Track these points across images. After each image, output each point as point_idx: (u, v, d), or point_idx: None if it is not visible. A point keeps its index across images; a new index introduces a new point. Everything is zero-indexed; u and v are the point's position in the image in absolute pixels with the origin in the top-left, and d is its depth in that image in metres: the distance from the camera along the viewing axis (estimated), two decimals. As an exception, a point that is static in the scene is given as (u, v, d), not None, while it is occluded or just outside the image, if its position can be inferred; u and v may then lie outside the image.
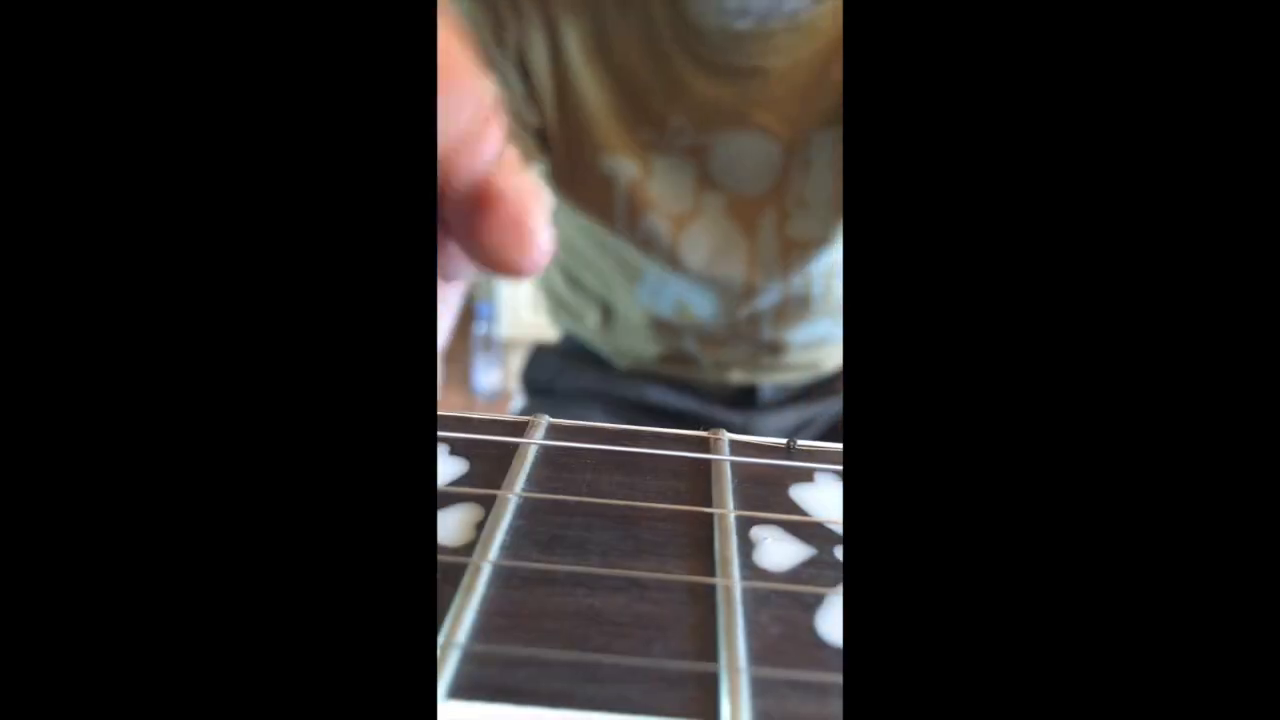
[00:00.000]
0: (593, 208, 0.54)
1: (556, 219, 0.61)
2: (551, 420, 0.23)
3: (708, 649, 0.15)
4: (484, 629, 0.15)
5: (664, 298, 0.57)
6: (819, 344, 0.60)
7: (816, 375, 0.62)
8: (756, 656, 0.15)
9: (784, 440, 0.22)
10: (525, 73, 0.50)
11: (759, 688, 0.14)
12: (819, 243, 0.52)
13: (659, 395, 0.62)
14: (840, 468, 0.21)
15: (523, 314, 1.85)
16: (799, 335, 0.58)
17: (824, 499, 0.20)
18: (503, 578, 0.17)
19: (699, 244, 0.53)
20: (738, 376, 0.61)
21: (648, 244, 0.53)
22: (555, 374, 0.66)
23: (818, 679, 0.15)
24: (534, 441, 0.21)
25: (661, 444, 0.22)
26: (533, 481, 0.20)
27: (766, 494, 0.20)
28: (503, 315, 1.92)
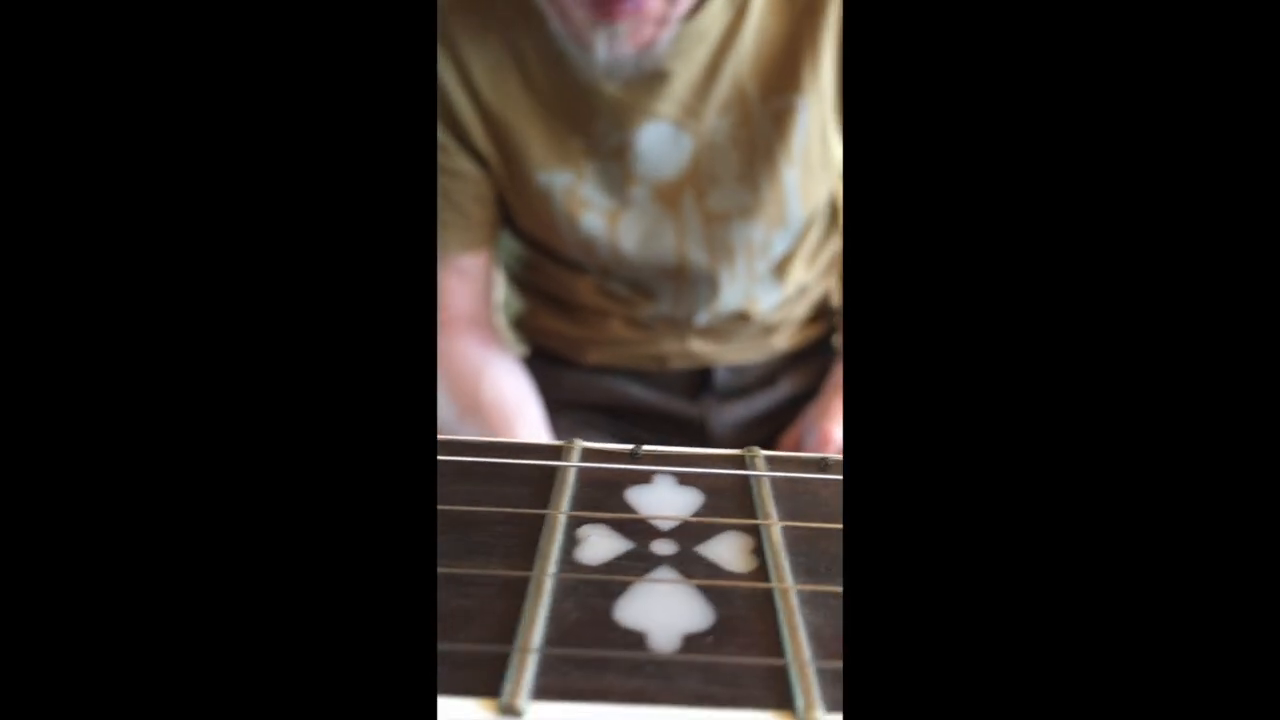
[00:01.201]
0: (534, 221, 0.59)
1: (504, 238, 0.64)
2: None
3: (508, 635, 0.17)
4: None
5: (613, 282, 0.62)
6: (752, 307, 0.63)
7: (767, 354, 0.65)
8: (550, 640, 0.17)
9: (630, 446, 0.24)
10: (455, 125, 0.56)
11: (546, 666, 0.16)
12: (735, 214, 0.58)
13: (622, 389, 0.65)
14: (678, 469, 0.23)
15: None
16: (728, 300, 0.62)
17: (656, 498, 0.22)
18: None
19: (632, 231, 0.58)
20: (696, 346, 0.64)
21: (588, 245, 0.58)
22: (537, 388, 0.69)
23: (601, 655, 0.16)
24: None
25: (517, 454, 0.24)
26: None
27: (603, 496, 0.22)
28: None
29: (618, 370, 0.66)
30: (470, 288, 0.61)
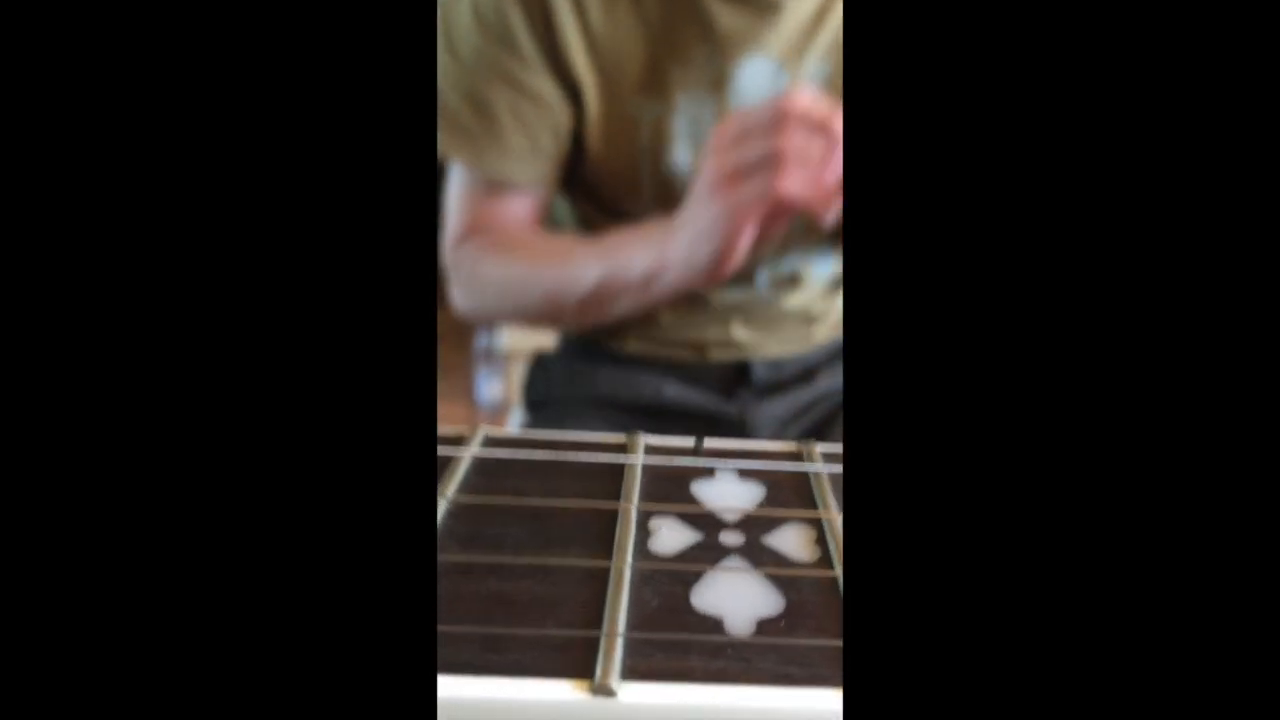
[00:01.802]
0: (612, 159, 0.57)
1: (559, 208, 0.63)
2: (488, 431, 0.25)
3: (594, 622, 0.18)
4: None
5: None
6: (817, 284, 0.62)
7: (806, 348, 0.65)
8: (634, 625, 0.18)
9: (693, 441, 0.25)
10: (553, 48, 0.54)
11: (632, 649, 0.17)
12: None
13: (656, 386, 0.64)
14: (739, 464, 0.24)
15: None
16: (811, 267, 0.61)
17: (720, 491, 0.23)
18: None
19: None
20: (739, 334, 0.63)
21: (667, 185, 0.56)
22: (555, 383, 0.68)
23: (683, 639, 0.18)
24: (469, 452, 0.24)
25: (586, 450, 0.25)
26: (465, 488, 0.23)
27: (670, 489, 0.23)
28: (503, 327, 1.95)
29: (655, 363, 0.65)
30: (520, 218, 0.57)
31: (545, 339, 0.73)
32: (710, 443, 0.25)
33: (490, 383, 2.14)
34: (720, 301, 0.62)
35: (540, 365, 0.71)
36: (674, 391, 0.65)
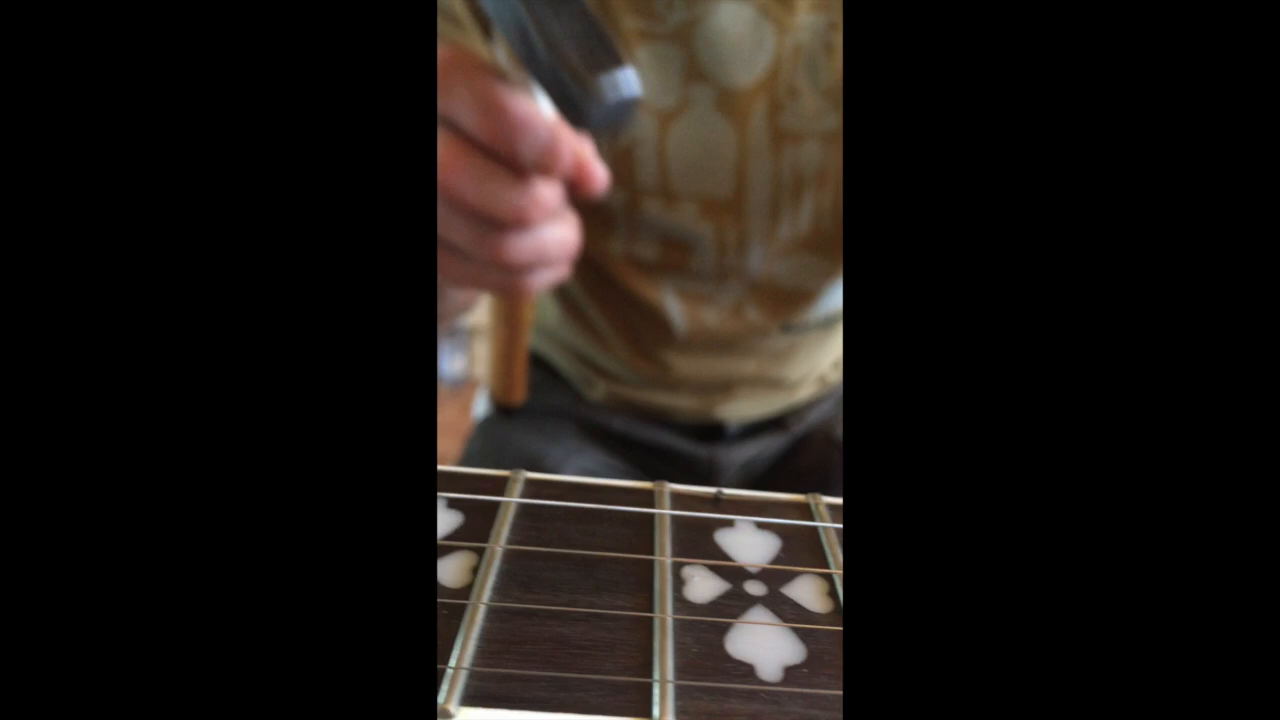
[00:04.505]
0: None
1: None
2: (528, 475, 0.28)
3: (646, 665, 0.21)
4: (482, 653, 0.21)
5: (647, 234, 0.54)
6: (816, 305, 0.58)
7: (780, 407, 0.65)
8: (680, 670, 0.21)
9: (713, 491, 0.28)
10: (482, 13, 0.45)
11: (680, 693, 0.20)
12: (812, 137, 0.49)
13: (624, 424, 0.63)
14: (757, 518, 0.27)
15: (487, 300, 1.88)
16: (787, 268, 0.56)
17: (741, 541, 0.26)
18: (495, 613, 0.22)
19: (687, 142, 0.49)
20: (715, 406, 0.61)
21: (628, 156, 0.49)
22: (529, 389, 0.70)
23: (723, 685, 0.21)
24: (515, 499, 0.27)
25: (615, 498, 0.28)
26: (516, 532, 0.26)
27: (697, 538, 0.26)
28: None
29: (621, 412, 0.63)
30: None
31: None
32: (730, 493, 0.28)
33: (453, 358, 2.15)
34: (693, 377, 0.60)
35: None
36: (645, 432, 0.64)
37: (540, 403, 0.67)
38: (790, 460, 0.66)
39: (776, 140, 0.48)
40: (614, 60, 0.27)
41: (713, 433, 0.64)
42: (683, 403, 0.63)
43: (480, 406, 0.72)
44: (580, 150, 0.31)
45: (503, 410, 0.63)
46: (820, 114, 0.48)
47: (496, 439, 0.65)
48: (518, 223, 0.31)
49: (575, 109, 0.28)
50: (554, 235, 0.34)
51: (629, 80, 0.27)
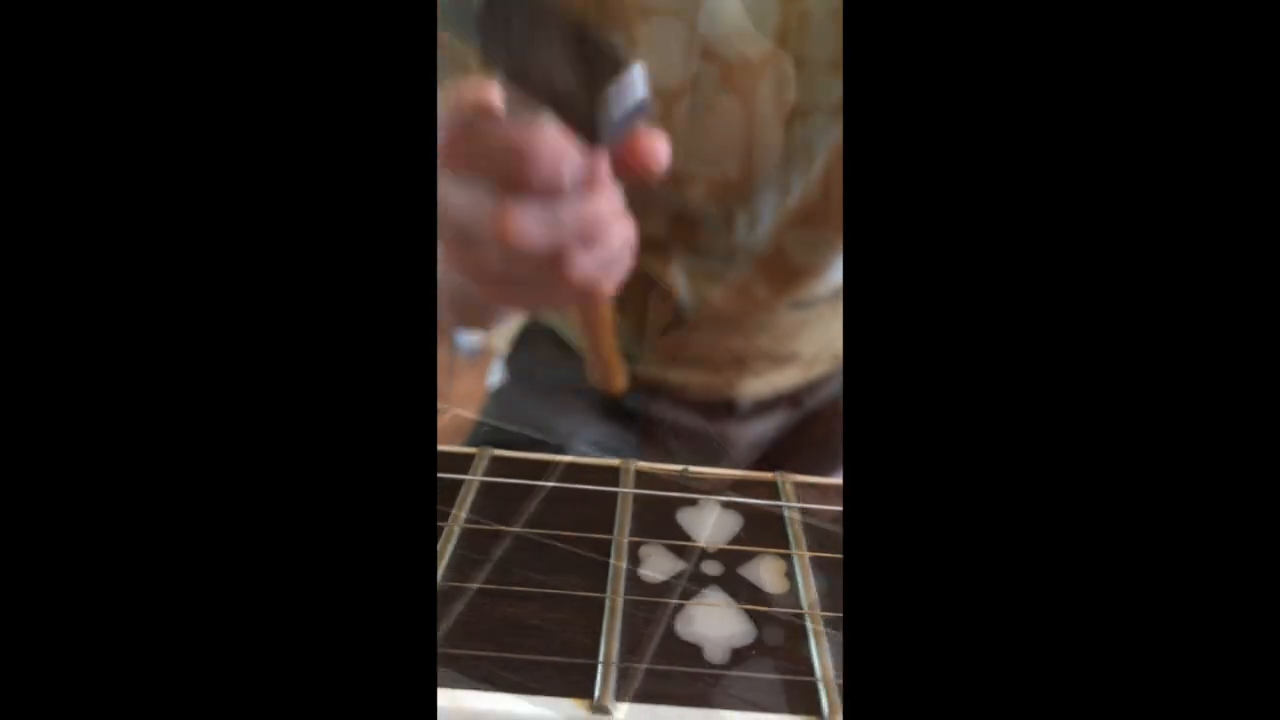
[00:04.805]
0: None
1: None
2: (494, 453, 0.28)
3: (593, 647, 0.21)
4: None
5: (655, 213, 0.51)
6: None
7: (795, 383, 0.64)
8: (626, 652, 0.21)
9: (678, 468, 0.28)
10: None
11: (623, 674, 0.20)
12: (820, 111, 0.48)
13: (636, 399, 0.63)
14: (720, 497, 0.27)
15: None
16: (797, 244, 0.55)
17: (702, 519, 0.26)
18: (447, 593, 0.22)
19: (692, 124, 0.47)
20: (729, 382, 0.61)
21: None
22: (540, 363, 0.68)
23: (667, 668, 0.21)
24: (477, 478, 0.27)
25: (581, 476, 0.28)
26: (476, 510, 0.26)
27: (657, 517, 0.26)
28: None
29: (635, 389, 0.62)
30: None
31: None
32: (695, 470, 0.28)
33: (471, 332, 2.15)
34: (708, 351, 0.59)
35: (530, 337, 0.71)
36: (656, 407, 0.64)
37: (552, 375, 0.67)
38: (801, 434, 0.66)
39: (784, 114, 0.47)
40: (614, 67, 0.27)
41: (724, 409, 0.64)
42: (695, 379, 0.62)
43: (495, 376, 0.72)
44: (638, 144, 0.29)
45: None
46: (829, 85, 0.46)
47: (509, 409, 0.65)
48: (585, 243, 0.31)
49: (589, 131, 0.28)
50: (619, 238, 0.33)
51: (633, 83, 0.27)
